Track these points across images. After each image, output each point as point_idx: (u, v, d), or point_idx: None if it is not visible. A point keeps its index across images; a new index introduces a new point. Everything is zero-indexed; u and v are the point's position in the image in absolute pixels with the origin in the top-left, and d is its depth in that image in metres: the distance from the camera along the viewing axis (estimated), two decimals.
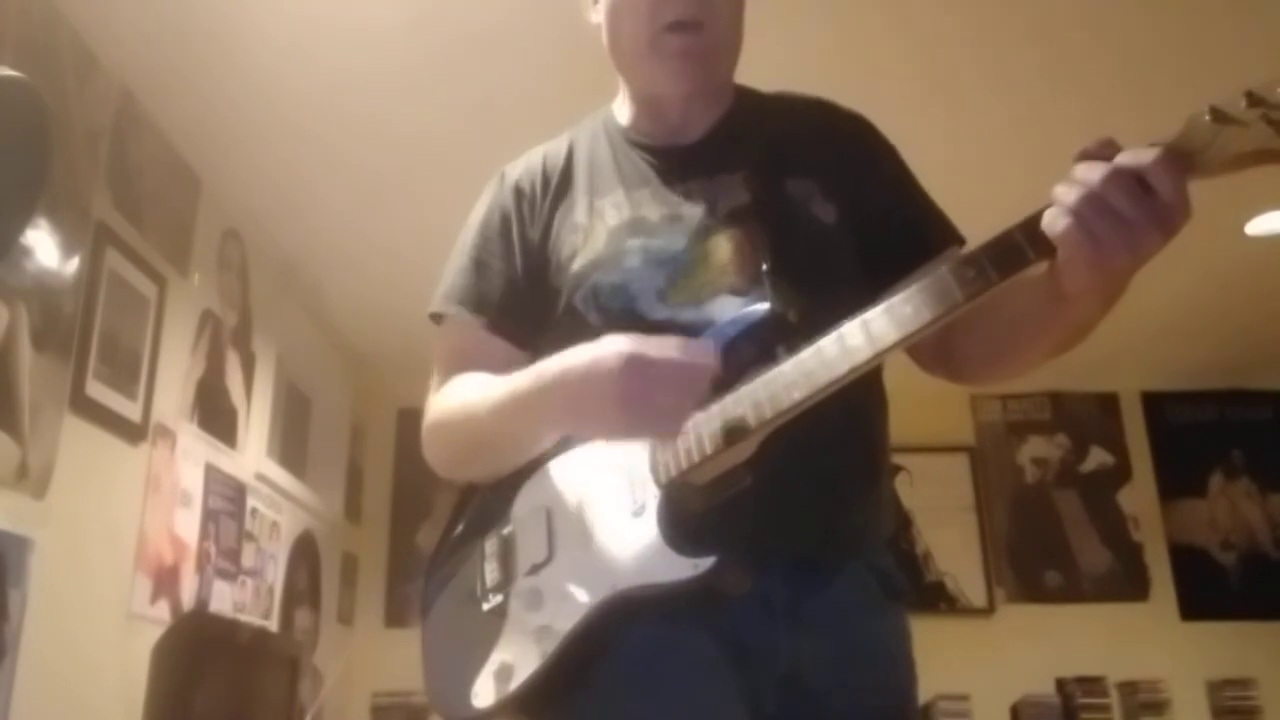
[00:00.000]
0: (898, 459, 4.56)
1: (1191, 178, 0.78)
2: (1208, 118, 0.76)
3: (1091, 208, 0.78)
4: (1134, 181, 0.77)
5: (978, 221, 1.08)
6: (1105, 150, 0.80)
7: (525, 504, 1.07)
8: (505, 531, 1.07)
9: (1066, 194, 0.80)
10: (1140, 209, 0.77)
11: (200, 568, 2.76)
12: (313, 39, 2.37)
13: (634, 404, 0.90)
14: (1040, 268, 0.84)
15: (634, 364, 0.90)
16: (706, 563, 0.90)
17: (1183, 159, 0.77)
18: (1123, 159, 0.78)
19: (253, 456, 3.19)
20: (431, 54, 2.44)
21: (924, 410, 4.29)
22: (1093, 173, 0.79)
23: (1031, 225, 0.82)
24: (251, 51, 2.40)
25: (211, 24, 2.29)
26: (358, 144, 2.77)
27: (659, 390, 0.90)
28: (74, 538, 2.16)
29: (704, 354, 0.92)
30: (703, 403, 0.93)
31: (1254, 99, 0.75)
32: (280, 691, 2.89)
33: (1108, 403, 4.71)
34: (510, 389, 1.02)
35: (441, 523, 1.19)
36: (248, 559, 3.10)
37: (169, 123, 2.63)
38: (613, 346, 0.92)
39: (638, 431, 0.94)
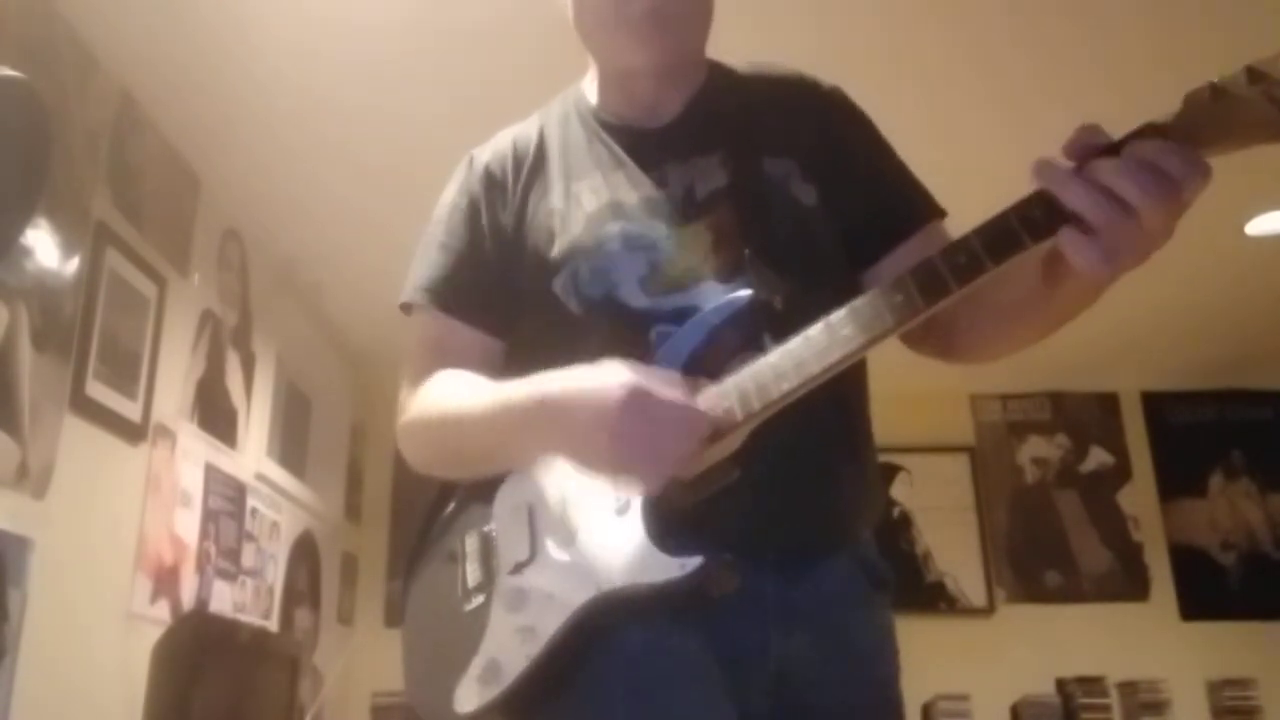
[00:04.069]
0: (898, 459, 4.53)
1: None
2: (1208, 95, 0.74)
3: (1115, 218, 0.74)
4: (1161, 178, 0.73)
5: (958, 211, 1.08)
6: (1092, 138, 0.77)
7: (507, 500, 1.04)
8: (486, 529, 1.04)
9: (1089, 205, 0.75)
10: (1169, 210, 0.74)
11: (200, 568, 2.76)
12: (313, 38, 2.37)
13: (626, 440, 0.87)
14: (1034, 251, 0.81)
15: (637, 399, 0.87)
16: (694, 563, 0.88)
17: (1188, 137, 0.74)
18: (1143, 153, 0.74)
19: (253, 456, 3.19)
20: (433, 55, 2.44)
21: (924, 410, 4.32)
22: (1116, 180, 0.74)
23: (1025, 209, 0.80)
24: (251, 51, 2.40)
25: (211, 24, 2.29)
26: (358, 144, 2.77)
27: (657, 431, 0.87)
28: (74, 538, 2.16)
29: (705, 405, 0.89)
30: (696, 455, 0.89)
31: (1256, 75, 0.72)
32: (280, 691, 2.89)
33: (1108, 403, 4.71)
34: (503, 400, 0.99)
35: (421, 519, 1.16)
36: (248, 559, 3.09)
37: (169, 123, 2.63)
38: (618, 376, 0.89)
39: (624, 470, 0.90)
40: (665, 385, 0.89)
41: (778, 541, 0.99)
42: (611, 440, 0.88)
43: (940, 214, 1.13)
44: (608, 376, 0.90)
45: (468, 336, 1.13)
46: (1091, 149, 0.77)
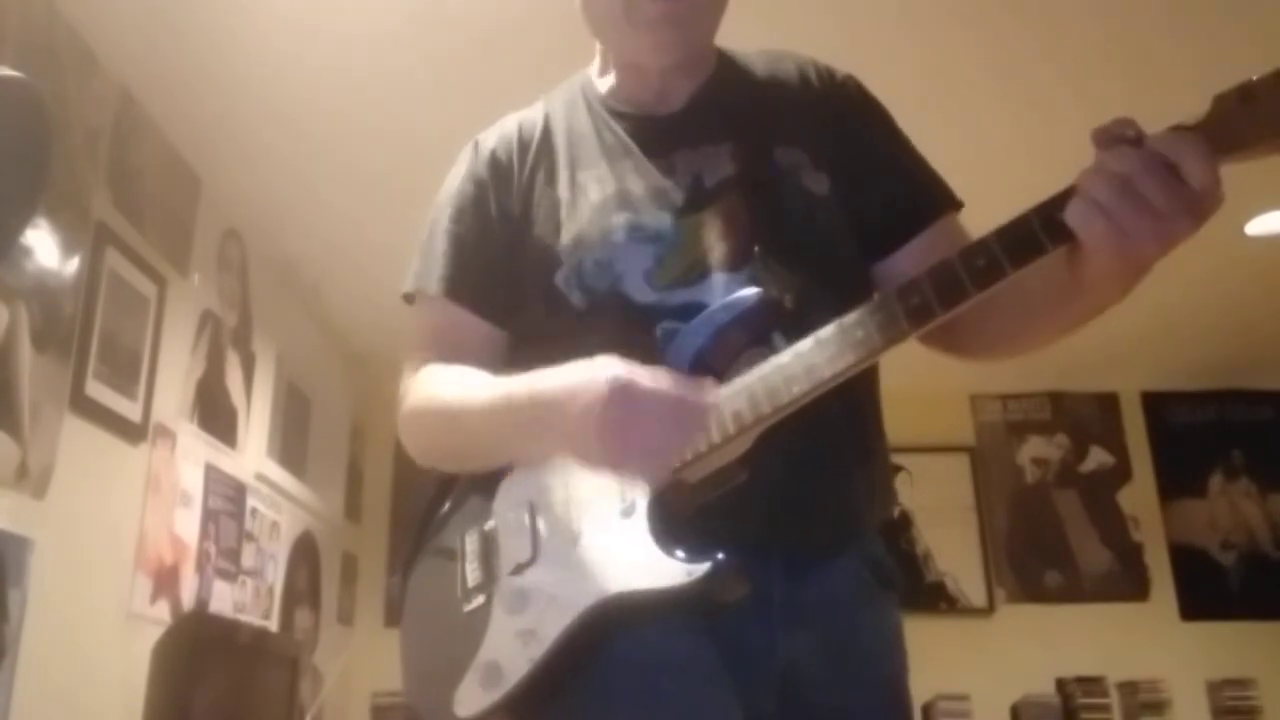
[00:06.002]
0: (898, 459, 4.54)
1: (1220, 161, 0.74)
2: (1236, 97, 0.73)
3: (1125, 202, 0.74)
4: (1168, 171, 0.73)
5: (978, 212, 1.07)
6: (1123, 130, 0.76)
7: (508, 497, 1.01)
8: (487, 527, 1.01)
9: (1097, 187, 0.75)
10: (1174, 199, 0.73)
11: (200, 568, 2.75)
12: (313, 39, 2.37)
13: (613, 435, 0.85)
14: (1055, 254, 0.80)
15: (621, 392, 0.85)
16: (701, 569, 0.86)
17: (1215, 142, 0.73)
18: (1157, 146, 0.74)
19: (253, 456, 3.19)
20: (432, 53, 2.44)
21: (924, 410, 4.31)
22: (1124, 163, 0.74)
23: (1048, 212, 0.78)
24: (252, 51, 2.39)
25: (211, 24, 2.29)
26: (358, 143, 2.77)
27: (644, 425, 0.85)
28: (74, 538, 2.16)
29: (701, 392, 0.87)
30: (694, 445, 0.88)
31: None
32: (280, 691, 2.89)
33: (1108, 403, 4.71)
34: (501, 396, 0.97)
35: (420, 515, 1.13)
36: (248, 559, 3.09)
37: (169, 123, 2.63)
38: (604, 370, 0.87)
39: (614, 465, 0.89)
40: (654, 377, 0.87)
41: (785, 543, 0.98)
42: (600, 435, 0.86)
43: (957, 205, 1.10)
44: (595, 371, 0.88)
45: (473, 326, 1.11)
46: (1120, 140, 0.76)
